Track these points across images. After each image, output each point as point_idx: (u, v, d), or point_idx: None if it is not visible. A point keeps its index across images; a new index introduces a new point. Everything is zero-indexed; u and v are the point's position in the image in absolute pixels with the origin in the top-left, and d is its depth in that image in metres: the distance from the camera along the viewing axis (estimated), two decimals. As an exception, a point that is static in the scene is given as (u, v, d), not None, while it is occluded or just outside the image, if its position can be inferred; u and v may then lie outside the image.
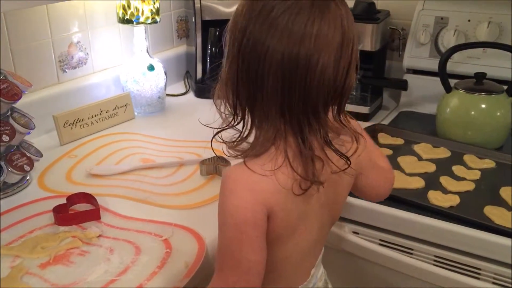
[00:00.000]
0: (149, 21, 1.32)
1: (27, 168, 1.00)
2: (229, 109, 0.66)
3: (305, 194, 0.64)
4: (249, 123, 0.66)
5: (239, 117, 0.66)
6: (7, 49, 1.16)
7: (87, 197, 0.95)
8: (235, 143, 0.67)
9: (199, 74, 1.54)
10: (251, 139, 0.67)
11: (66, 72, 1.31)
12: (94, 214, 0.90)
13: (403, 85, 1.38)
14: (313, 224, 0.71)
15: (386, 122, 1.35)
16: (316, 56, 0.59)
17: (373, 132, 1.24)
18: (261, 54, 0.60)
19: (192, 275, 0.78)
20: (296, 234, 0.69)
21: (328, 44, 0.59)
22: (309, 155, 0.63)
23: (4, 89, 0.96)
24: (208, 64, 1.52)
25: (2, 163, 0.97)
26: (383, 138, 1.24)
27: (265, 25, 0.59)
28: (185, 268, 0.78)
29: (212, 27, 1.49)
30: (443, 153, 1.17)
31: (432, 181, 1.05)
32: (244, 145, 0.67)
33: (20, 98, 0.98)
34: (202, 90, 1.52)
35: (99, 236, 0.86)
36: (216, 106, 0.67)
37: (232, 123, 0.67)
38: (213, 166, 1.07)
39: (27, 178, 1.03)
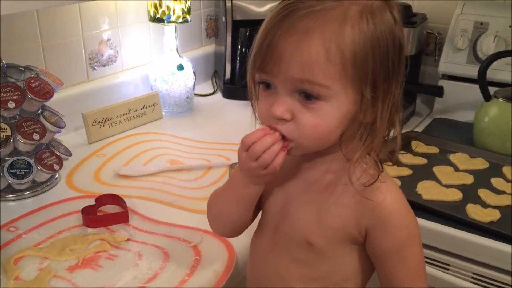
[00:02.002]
0: (180, 20, 1.30)
1: (56, 167, 0.99)
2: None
3: None
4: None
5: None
6: (38, 46, 1.16)
7: (116, 199, 0.93)
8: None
9: (228, 75, 1.52)
10: None
11: (95, 69, 1.31)
12: (122, 217, 0.89)
13: (439, 92, 1.33)
14: None
15: (419, 129, 1.31)
16: None
17: (406, 139, 1.20)
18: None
19: (222, 284, 0.76)
20: None
21: None
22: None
23: (36, 87, 0.95)
24: (238, 64, 1.50)
25: (32, 162, 0.96)
26: (417, 146, 1.20)
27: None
28: (215, 277, 0.76)
29: (243, 27, 1.47)
30: (480, 164, 1.12)
31: (470, 193, 1.00)
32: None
33: (51, 96, 0.97)
34: (230, 91, 1.50)
35: (128, 239, 0.84)
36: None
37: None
38: (243, 171, 1.04)
39: (56, 176, 1.02)
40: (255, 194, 0.65)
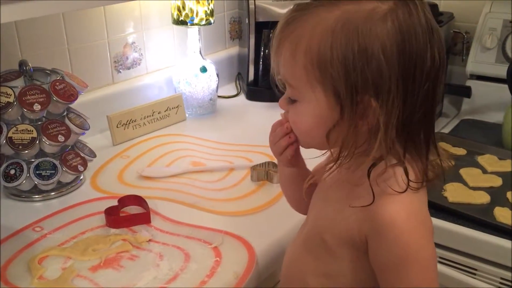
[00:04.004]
0: (203, 22, 1.31)
1: (81, 168, 1.01)
2: None
3: None
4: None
5: None
6: (64, 49, 1.18)
7: (138, 200, 0.94)
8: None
9: (251, 77, 1.52)
10: None
11: (120, 72, 1.32)
12: (144, 218, 0.90)
13: (467, 92, 1.30)
14: None
15: (446, 130, 1.28)
16: None
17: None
18: None
19: (242, 286, 0.75)
20: None
21: None
22: None
23: (61, 90, 0.96)
24: (261, 66, 1.49)
25: (57, 163, 0.98)
26: (444, 147, 1.17)
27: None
28: (235, 279, 0.76)
29: (266, 29, 1.47)
30: (509, 166, 1.09)
31: (498, 196, 0.98)
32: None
33: (76, 99, 0.99)
34: (254, 92, 1.50)
35: (149, 240, 0.85)
36: None
37: None
38: (264, 172, 1.04)
39: (81, 178, 1.04)
40: (288, 173, 0.74)
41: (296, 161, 0.71)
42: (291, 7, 0.61)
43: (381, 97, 0.55)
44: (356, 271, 0.63)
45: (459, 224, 0.91)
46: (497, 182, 1.03)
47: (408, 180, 0.57)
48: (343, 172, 0.61)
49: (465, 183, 1.02)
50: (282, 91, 0.64)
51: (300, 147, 0.69)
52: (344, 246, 0.63)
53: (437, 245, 0.92)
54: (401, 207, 0.58)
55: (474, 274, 0.90)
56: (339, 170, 0.61)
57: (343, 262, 0.64)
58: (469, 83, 1.34)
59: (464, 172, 1.06)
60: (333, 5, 0.56)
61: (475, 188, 1.01)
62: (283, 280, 0.75)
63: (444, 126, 1.32)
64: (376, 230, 0.58)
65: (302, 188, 0.69)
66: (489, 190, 1.00)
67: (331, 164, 0.60)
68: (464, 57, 1.38)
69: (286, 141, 0.67)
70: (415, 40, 0.54)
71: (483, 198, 0.97)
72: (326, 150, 0.62)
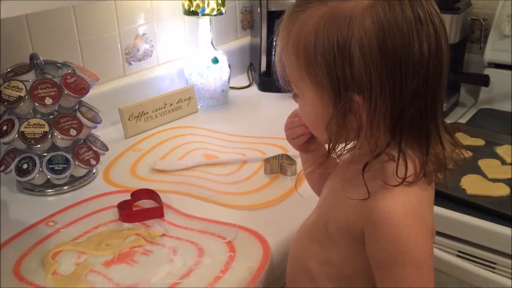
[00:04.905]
0: (215, 12, 1.29)
1: (93, 162, 1.00)
2: None
3: None
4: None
5: None
6: (75, 41, 1.17)
7: (151, 194, 0.93)
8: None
9: (263, 67, 1.50)
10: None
11: (131, 64, 1.31)
12: (158, 212, 0.89)
13: (485, 81, 1.27)
14: None
15: (463, 120, 1.26)
16: None
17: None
18: None
19: (257, 281, 0.75)
20: None
21: None
22: None
23: (72, 83, 0.96)
24: (273, 56, 1.47)
25: (70, 157, 0.97)
26: (462, 138, 1.14)
27: None
28: (250, 274, 0.75)
29: (278, 18, 1.44)
30: (529, 157, 1.07)
31: (518, 188, 0.95)
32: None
33: (87, 92, 0.98)
34: (266, 83, 1.48)
35: (163, 235, 0.84)
36: None
37: None
38: (278, 165, 1.02)
39: (93, 171, 1.04)
40: (305, 158, 0.78)
41: (307, 148, 0.75)
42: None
43: (365, 93, 0.54)
44: (355, 262, 0.63)
45: (478, 217, 0.89)
46: (517, 173, 1.00)
47: (405, 174, 0.56)
48: (344, 165, 0.64)
49: (484, 175, 1.00)
50: (283, 87, 0.66)
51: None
52: (345, 236, 0.63)
53: (456, 239, 0.92)
54: (398, 203, 0.57)
55: (494, 268, 0.88)
56: (342, 162, 0.63)
57: (344, 251, 0.64)
58: (487, 71, 1.31)
59: (482, 163, 1.04)
60: (322, 2, 0.56)
61: (494, 180, 0.98)
62: (289, 265, 0.75)
63: (461, 116, 1.29)
64: (372, 224, 0.58)
65: (314, 174, 0.74)
66: (509, 182, 0.98)
67: (346, 155, 0.62)
68: (482, 45, 1.35)
69: (302, 130, 0.72)
70: (398, 34, 0.53)
71: (503, 190, 0.95)
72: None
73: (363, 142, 0.58)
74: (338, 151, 0.60)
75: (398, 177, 0.56)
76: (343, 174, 0.65)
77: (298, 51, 0.58)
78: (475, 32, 1.39)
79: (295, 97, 0.65)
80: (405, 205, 0.57)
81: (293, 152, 0.88)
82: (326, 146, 0.61)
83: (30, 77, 0.96)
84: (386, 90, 0.54)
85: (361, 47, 0.53)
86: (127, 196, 0.92)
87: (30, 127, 0.94)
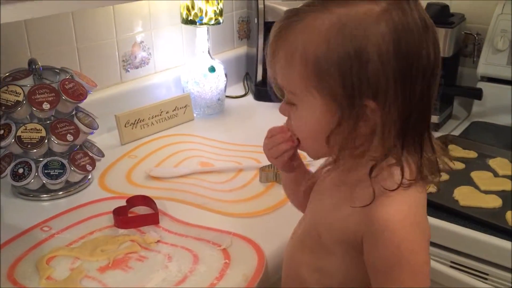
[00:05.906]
0: (212, 22, 1.30)
1: (89, 167, 1.00)
2: None
3: None
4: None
5: None
6: (74, 48, 1.18)
7: (147, 200, 0.94)
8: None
9: (259, 77, 1.51)
10: None
11: (129, 71, 1.32)
12: (153, 218, 0.89)
13: (478, 94, 1.29)
14: None
15: (456, 132, 1.27)
16: None
17: (443, 143, 1.16)
18: None
19: (251, 289, 0.75)
20: None
21: None
22: None
23: (70, 89, 0.96)
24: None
25: (66, 162, 0.97)
26: (454, 150, 1.16)
27: None
28: (244, 281, 0.75)
29: (275, 29, 1.46)
30: (521, 169, 1.08)
31: (510, 200, 0.96)
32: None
33: (85, 98, 0.98)
34: (262, 93, 1.49)
35: (158, 241, 0.84)
36: None
37: None
38: (273, 173, 1.03)
39: (89, 177, 1.04)
40: (286, 177, 0.77)
41: (291, 166, 0.72)
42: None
43: (379, 98, 0.55)
44: (349, 270, 0.64)
45: (471, 228, 0.90)
46: (509, 185, 1.01)
47: (402, 178, 0.57)
48: (340, 173, 0.62)
49: (476, 187, 1.01)
50: (280, 98, 0.65)
51: (299, 151, 0.70)
52: (340, 245, 0.63)
53: (448, 249, 0.92)
54: (397, 209, 0.57)
55: (486, 278, 0.89)
56: (337, 170, 0.62)
57: (337, 259, 0.64)
58: (480, 85, 1.32)
59: (475, 175, 1.05)
60: (325, 9, 0.56)
61: (486, 192, 0.99)
62: (283, 275, 0.75)
63: (454, 128, 1.30)
64: (371, 231, 0.58)
65: (300, 190, 0.73)
66: (501, 193, 0.99)
67: (329, 166, 0.62)
68: (475, 59, 1.36)
69: (287, 146, 0.68)
70: (411, 39, 0.54)
71: (495, 202, 0.96)
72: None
73: (370, 148, 0.57)
74: (345, 158, 0.59)
75: (399, 183, 0.57)
76: (338, 183, 0.64)
77: (306, 60, 0.56)
78: (469, 46, 1.41)
79: (289, 107, 0.62)
80: (404, 211, 0.58)
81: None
82: (313, 156, 0.64)
83: (28, 82, 0.96)
84: (398, 94, 0.55)
85: (380, 52, 0.53)
86: (123, 202, 0.92)
87: (27, 132, 0.94)
